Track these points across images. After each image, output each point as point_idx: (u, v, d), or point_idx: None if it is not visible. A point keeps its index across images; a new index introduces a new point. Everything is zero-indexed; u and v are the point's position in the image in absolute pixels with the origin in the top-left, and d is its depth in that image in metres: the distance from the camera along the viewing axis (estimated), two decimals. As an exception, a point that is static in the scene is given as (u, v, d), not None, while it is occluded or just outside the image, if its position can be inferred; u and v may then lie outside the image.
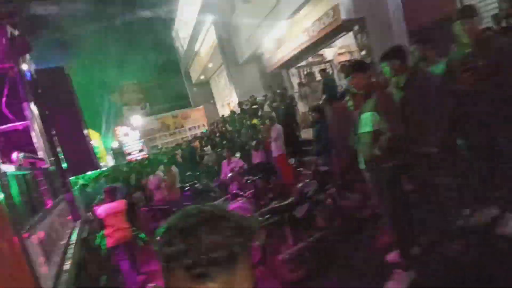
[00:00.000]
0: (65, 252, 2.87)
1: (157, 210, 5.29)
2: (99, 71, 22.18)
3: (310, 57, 9.61)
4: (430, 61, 2.92)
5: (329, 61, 10.07)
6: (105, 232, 3.67)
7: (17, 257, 1.54)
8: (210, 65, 15.13)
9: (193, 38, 14.78)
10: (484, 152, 2.26)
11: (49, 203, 3.12)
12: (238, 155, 6.02)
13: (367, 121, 2.28)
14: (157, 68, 23.97)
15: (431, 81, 2.43)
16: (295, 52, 8.54)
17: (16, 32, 4.01)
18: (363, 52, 6.65)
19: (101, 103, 23.84)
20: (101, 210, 3.65)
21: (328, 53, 10.03)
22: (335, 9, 6.51)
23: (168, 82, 23.60)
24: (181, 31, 17.16)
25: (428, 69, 2.76)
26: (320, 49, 8.87)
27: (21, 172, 2.40)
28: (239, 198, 3.81)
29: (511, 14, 3.45)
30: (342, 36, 7.54)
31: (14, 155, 2.90)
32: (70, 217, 3.86)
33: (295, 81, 10.08)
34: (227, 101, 15.14)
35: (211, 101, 18.65)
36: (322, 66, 9.09)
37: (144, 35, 22.22)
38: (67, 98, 5.29)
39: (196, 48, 15.21)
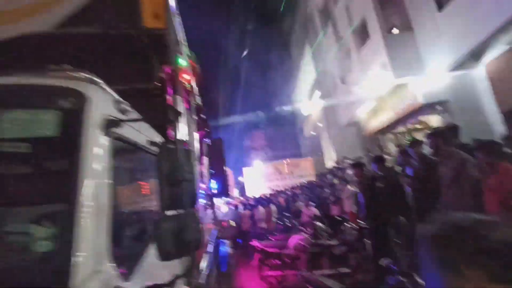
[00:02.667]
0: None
1: (255, 234, 7.88)
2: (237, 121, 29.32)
3: (409, 124, 10.41)
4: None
5: (434, 128, 10.40)
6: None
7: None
8: (319, 124, 17.79)
9: (307, 101, 18.15)
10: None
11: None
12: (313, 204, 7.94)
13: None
14: (280, 122, 29.16)
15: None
16: (387, 123, 9.79)
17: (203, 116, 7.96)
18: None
19: (238, 146, 30.98)
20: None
21: (432, 119, 10.43)
22: (414, 94, 7.75)
23: (287, 133, 28.00)
24: (299, 96, 21.14)
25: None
26: (411, 122, 9.69)
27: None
28: (302, 233, 5.81)
29: None
30: (426, 114, 8.38)
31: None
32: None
33: (391, 146, 10.95)
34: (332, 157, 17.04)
35: (319, 153, 20.94)
36: (422, 132, 9.67)
37: (272, 97, 28.21)
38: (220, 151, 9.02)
39: (308, 111, 18.44)
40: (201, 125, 5.33)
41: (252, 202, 12.05)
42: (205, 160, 5.39)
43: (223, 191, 5.72)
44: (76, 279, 0.78)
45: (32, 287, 0.76)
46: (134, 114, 1.36)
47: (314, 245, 5.07)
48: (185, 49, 3.57)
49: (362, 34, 9.22)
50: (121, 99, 1.28)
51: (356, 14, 9.45)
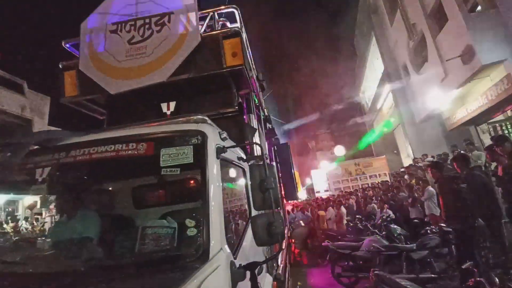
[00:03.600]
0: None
1: (327, 234, 7.94)
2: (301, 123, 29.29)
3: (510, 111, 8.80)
4: None
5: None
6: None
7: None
8: (392, 119, 16.36)
9: (376, 98, 16.95)
10: None
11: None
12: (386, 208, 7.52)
13: None
14: (346, 120, 27.83)
15: None
16: (478, 111, 8.50)
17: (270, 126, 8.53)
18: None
19: (303, 148, 30.95)
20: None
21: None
22: (509, 77, 6.61)
23: (354, 132, 26.51)
24: (367, 92, 19.85)
25: None
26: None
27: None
28: (377, 235, 5.70)
29: None
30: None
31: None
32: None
33: (486, 138, 9.42)
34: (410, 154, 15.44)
35: (395, 151, 19.14)
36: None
37: (336, 94, 27.17)
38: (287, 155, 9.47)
39: (378, 106, 17.17)
40: (269, 134, 5.86)
41: (320, 204, 12.04)
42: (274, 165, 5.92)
43: (292, 194, 5.95)
44: (211, 253, 1.29)
45: (186, 258, 1.30)
46: (229, 140, 1.87)
47: (390, 248, 4.95)
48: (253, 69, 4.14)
49: (439, 18, 8.31)
50: (221, 131, 1.80)
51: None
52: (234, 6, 3.14)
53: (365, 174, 21.11)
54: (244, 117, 3.30)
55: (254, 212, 1.67)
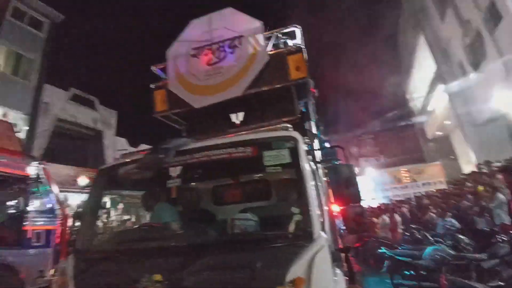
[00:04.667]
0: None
1: (382, 242, 7.71)
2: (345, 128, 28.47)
3: None
4: None
5: None
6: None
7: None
8: (447, 122, 15.16)
9: (427, 100, 15.93)
10: None
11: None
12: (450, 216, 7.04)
13: None
14: (393, 124, 26.32)
15: None
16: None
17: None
18: None
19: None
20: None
21: None
22: None
23: (403, 137, 24.91)
24: (416, 92, 18.72)
25: None
26: None
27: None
28: (441, 244, 5.45)
29: None
30: None
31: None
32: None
33: None
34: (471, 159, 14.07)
35: (452, 157, 17.57)
36: None
37: (381, 97, 25.95)
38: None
39: (430, 108, 16.08)
40: (320, 140, 6.06)
41: (371, 211, 11.62)
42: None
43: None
44: (314, 236, 1.57)
45: (295, 237, 1.60)
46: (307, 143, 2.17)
47: (458, 257, 4.72)
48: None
49: (493, 15, 7.75)
50: (302, 136, 2.12)
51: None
52: (296, 25, 3.50)
53: (416, 181, 19.69)
54: (304, 124, 3.59)
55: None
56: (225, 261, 1.53)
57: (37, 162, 4.62)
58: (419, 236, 7.69)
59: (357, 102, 25.58)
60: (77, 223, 2.31)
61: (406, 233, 8.06)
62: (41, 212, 4.38)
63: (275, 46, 3.51)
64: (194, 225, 2.03)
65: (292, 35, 3.58)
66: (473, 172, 9.44)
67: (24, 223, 4.16)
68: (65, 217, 4.47)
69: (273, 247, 1.54)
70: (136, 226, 2.48)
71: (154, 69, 3.99)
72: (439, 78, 12.70)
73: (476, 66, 9.84)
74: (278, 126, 2.18)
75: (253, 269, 1.44)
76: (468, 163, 15.13)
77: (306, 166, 1.80)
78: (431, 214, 9.22)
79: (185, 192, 2.56)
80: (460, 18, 9.70)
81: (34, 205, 4.33)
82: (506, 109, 9.48)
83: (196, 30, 3.78)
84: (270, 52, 3.35)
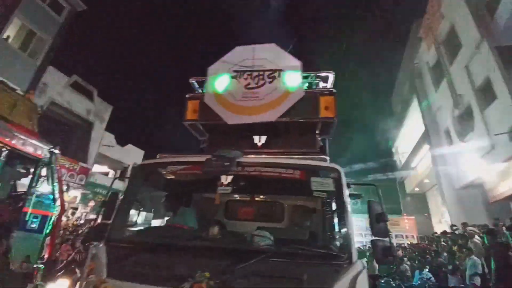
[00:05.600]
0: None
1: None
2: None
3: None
4: None
5: None
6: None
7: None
8: (426, 181, 16.15)
9: (411, 155, 17.00)
10: None
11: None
12: (426, 270, 7.37)
13: None
14: (376, 173, 27.47)
15: None
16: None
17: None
18: None
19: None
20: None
21: None
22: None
23: (384, 187, 25.87)
24: (401, 147, 19.95)
25: None
26: None
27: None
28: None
29: None
30: None
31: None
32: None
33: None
34: (443, 219, 14.86)
35: (425, 214, 18.45)
36: None
37: (369, 147, 27.30)
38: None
39: (413, 165, 17.12)
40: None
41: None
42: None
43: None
44: (353, 259, 1.79)
45: (337, 258, 1.81)
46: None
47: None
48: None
49: (487, 93, 8.81)
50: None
51: (478, 73, 9.19)
52: (331, 71, 3.95)
53: (391, 232, 20.18)
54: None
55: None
56: (273, 270, 1.69)
57: (51, 147, 4.57)
58: (394, 285, 7.91)
59: (344, 143, 26.69)
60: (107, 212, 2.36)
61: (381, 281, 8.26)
62: (42, 197, 4.26)
63: (309, 84, 3.92)
64: (239, 233, 2.17)
65: (324, 79, 4.02)
66: (445, 232, 10.01)
67: (25, 205, 4.03)
68: (62, 207, 4.36)
69: (317, 264, 1.73)
70: (178, 224, 2.56)
71: (191, 81, 4.26)
72: (426, 139, 13.76)
73: (461, 136, 10.86)
74: (316, 156, 2.46)
75: (300, 281, 1.61)
76: (439, 222, 15.95)
77: (347, 196, 2.06)
78: (405, 265, 9.53)
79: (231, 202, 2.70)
80: (454, 91, 10.86)
81: (38, 188, 4.23)
82: (484, 179, 10.37)
83: (239, 55, 4.14)
84: (305, 90, 3.72)
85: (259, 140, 3.98)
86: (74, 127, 17.12)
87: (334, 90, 3.73)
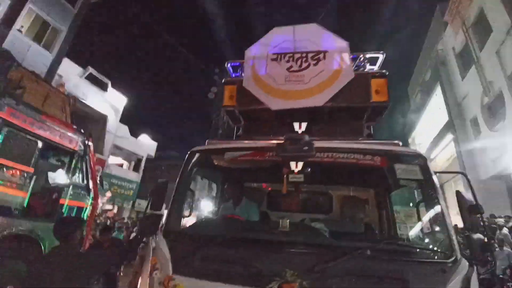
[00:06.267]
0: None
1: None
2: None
3: None
4: None
5: None
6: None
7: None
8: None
9: (431, 146, 16.46)
10: None
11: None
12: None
13: None
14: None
15: None
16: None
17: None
18: None
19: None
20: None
21: None
22: None
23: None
24: (418, 138, 19.37)
25: None
26: None
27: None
28: None
29: None
30: None
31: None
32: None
33: None
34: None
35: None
36: None
37: (380, 136, 26.64)
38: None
39: (432, 155, 16.60)
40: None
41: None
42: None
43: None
44: (458, 257, 1.58)
45: (443, 257, 1.59)
46: None
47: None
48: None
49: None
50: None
51: (510, 59, 8.65)
52: (381, 52, 3.66)
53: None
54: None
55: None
56: (367, 268, 1.50)
57: (85, 139, 4.47)
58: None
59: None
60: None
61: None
62: (77, 188, 4.17)
63: (357, 67, 3.64)
64: (312, 226, 1.99)
65: (372, 60, 3.73)
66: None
67: (60, 197, 3.94)
68: (96, 198, 4.28)
69: (417, 262, 1.53)
70: (236, 216, 2.40)
71: (228, 65, 4.03)
72: (450, 129, 13.24)
73: (491, 125, 10.36)
74: (388, 141, 2.23)
75: (406, 281, 1.41)
76: (457, 214, 15.44)
77: (437, 184, 1.83)
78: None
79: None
80: (483, 78, 10.31)
81: (73, 179, 4.14)
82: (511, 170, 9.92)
83: (278, 36, 3.87)
84: (355, 72, 3.45)
85: (300, 126, 3.76)
86: (90, 119, 17.20)
87: (387, 72, 3.46)
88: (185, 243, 1.76)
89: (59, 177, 4.04)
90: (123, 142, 18.56)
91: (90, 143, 4.47)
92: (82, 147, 4.26)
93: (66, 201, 3.91)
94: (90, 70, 15.94)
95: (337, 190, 3.27)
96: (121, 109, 18.19)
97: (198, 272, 1.57)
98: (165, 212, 2.09)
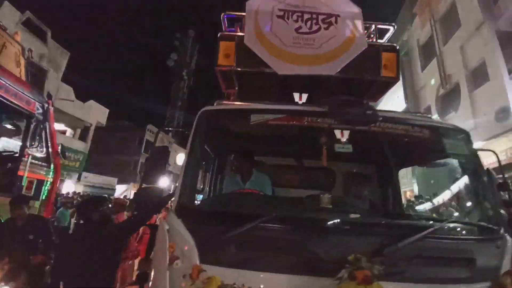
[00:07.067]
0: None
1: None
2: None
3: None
4: None
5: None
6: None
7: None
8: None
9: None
10: None
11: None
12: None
13: None
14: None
15: None
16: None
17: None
18: None
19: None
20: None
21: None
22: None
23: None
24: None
25: None
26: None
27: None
28: None
29: None
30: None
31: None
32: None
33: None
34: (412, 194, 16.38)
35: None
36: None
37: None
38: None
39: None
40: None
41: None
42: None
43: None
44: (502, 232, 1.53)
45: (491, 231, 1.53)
46: None
47: None
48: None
49: (479, 75, 9.15)
50: None
51: (473, 54, 9.43)
52: (393, 24, 3.46)
53: None
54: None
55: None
56: (429, 249, 1.35)
57: (45, 100, 3.55)
58: None
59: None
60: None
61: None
62: (36, 159, 3.35)
63: (367, 37, 3.40)
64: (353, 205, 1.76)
65: (381, 32, 3.53)
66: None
67: (18, 168, 3.12)
68: (57, 170, 3.51)
69: (472, 240, 1.44)
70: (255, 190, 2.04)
71: (224, 16, 3.45)
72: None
73: (443, 115, 11.44)
74: (419, 113, 2.08)
75: (472, 261, 1.31)
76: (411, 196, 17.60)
77: (481, 161, 1.75)
78: None
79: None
80: (443, 70, 11.17)
81: (31, 149, 3.29)
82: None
83: (285, -11, 3.40)
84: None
85: (300, 98, 3.47)
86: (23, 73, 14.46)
87: (397, 47, 3.29)
88: (209, 224, 1.38)
89: (14, 144, 3.18)
90: (65, 105, 16.10)
91: (51, 107, 3.59)
92: (41, 111, 3.39)
93: (25, 173, 3.11)
94: (29, 14, 13.12)
95: (341, 167, 3.11)
96: (63, 66, 15.61)
97: (234, 260, 1.24)
98: (174, 186, 1.65)
